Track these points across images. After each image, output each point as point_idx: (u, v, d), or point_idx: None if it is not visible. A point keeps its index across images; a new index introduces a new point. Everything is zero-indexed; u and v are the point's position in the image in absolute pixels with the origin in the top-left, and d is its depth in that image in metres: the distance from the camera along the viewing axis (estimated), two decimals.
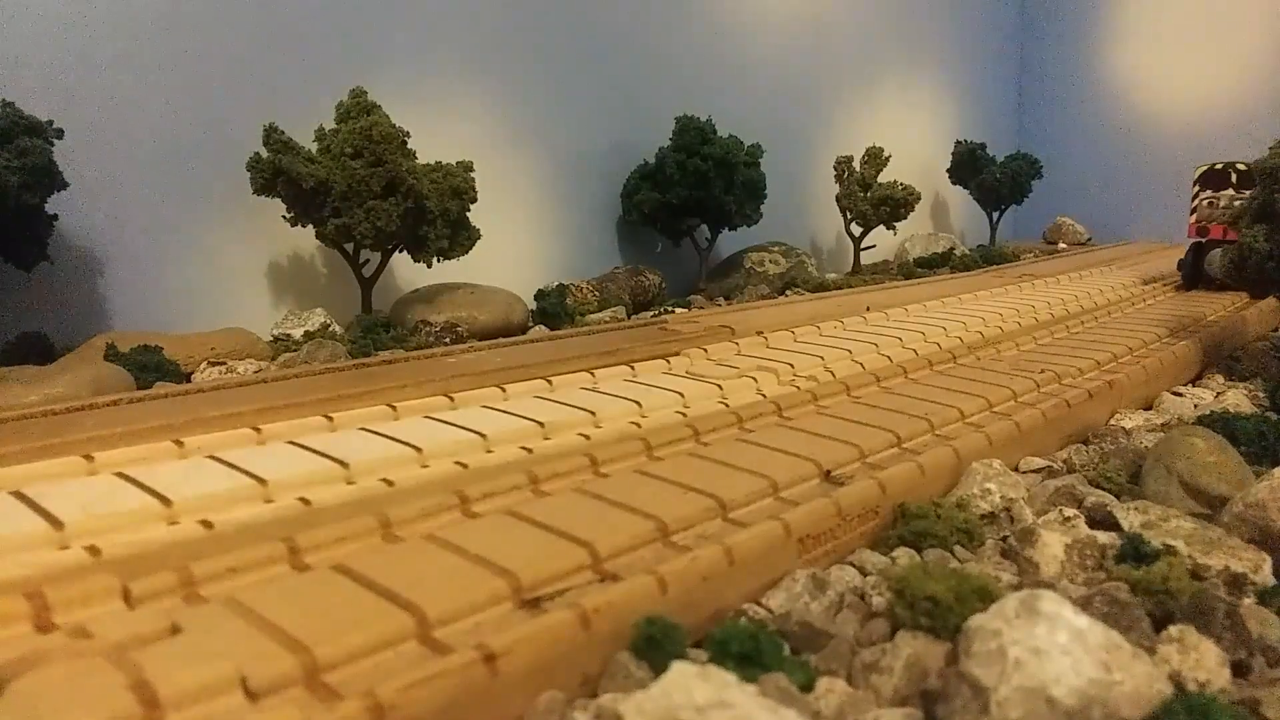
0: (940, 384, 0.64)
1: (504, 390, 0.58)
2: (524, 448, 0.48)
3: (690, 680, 0.27)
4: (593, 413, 0.53)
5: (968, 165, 1.78)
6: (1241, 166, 1.00)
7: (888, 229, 1.53)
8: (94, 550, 0.33)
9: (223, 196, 0.96)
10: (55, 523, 0.35)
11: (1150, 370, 0.71)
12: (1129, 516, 0.44)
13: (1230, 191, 1.01)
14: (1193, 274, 1.09)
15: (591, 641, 0.31)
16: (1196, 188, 1.04)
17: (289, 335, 0.94)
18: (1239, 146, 1.40)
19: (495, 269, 1.14)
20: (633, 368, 0.66)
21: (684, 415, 0.55)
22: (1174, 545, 0.40)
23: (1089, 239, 1.91)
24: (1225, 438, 0.52)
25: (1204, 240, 1.06)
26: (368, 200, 0.89)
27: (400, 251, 0.97)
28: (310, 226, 0.93)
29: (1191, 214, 1.05)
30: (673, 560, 0.36)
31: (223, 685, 0.26)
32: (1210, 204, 1.01)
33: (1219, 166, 1.03)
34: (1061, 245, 1.86)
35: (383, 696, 0.26)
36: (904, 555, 0.42)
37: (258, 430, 0.48)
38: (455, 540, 0.36)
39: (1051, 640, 0.28)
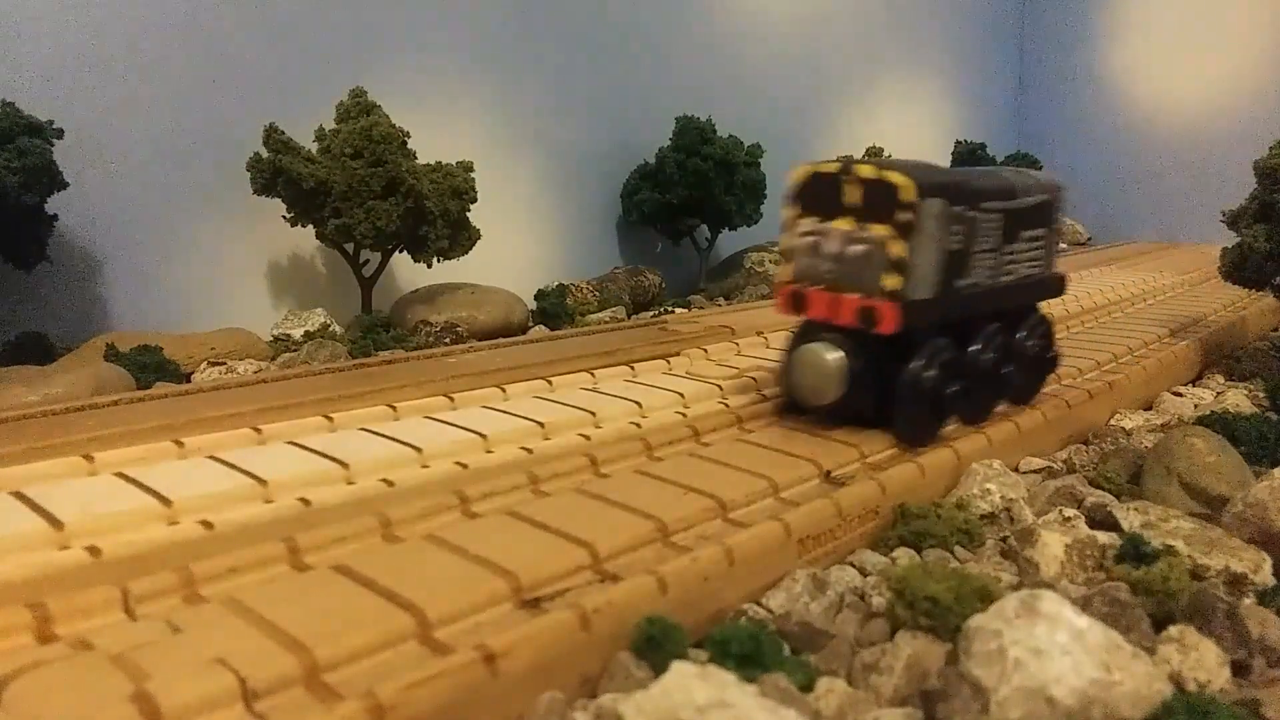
0: None
1: (504, 390, 0.58)
2: (524, 448, 0.48)
3: (690, 680, 0.27)
4: (593, 413, 0.53)
5: (968, 165, 1.78)
6: (868, 174, 0.49)
7: None
8: (94, 550, 0.33)
9: (223, 196, 0.96)
10: (55, 523, 0.35)
11: (1150, 370, 0.71)
12: (1129, 517, 0.44)
13: (848, 225, 0.50)
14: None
15: (591, 641, 0.31)
16: (796, 209, 0.53)
17: (289, 335, 0.94)
18: (1239, 146, 1.39)
19: (495, 269, 1.14)
20: (633, 368, 0.66)
21: (684, 415, 0.55)
22: (1174, 545, 0.40)
23: (1089, 239, 1.91)
24: (1225, 438, 0.52)
25: (807, 319, 0.52)
26: (368, 200, 0.89)
27: (400, 251, 0.97)
28: (310, 226, 0.92)
29: (786, 260, 0.53)
30: (673, 560, 0.36)
31: (224, 697, 0.26)
32: (814, 245, 0.51)
33: (827, 171, 0.51)
34: (1061, 245, 1.86)
35: (383, 696, 0.26)
36: (904, 555, 0.42)
37: (258, 430, 0.48)
38: (455, 540, 0.36)
39: (1051, 640, 0.28)
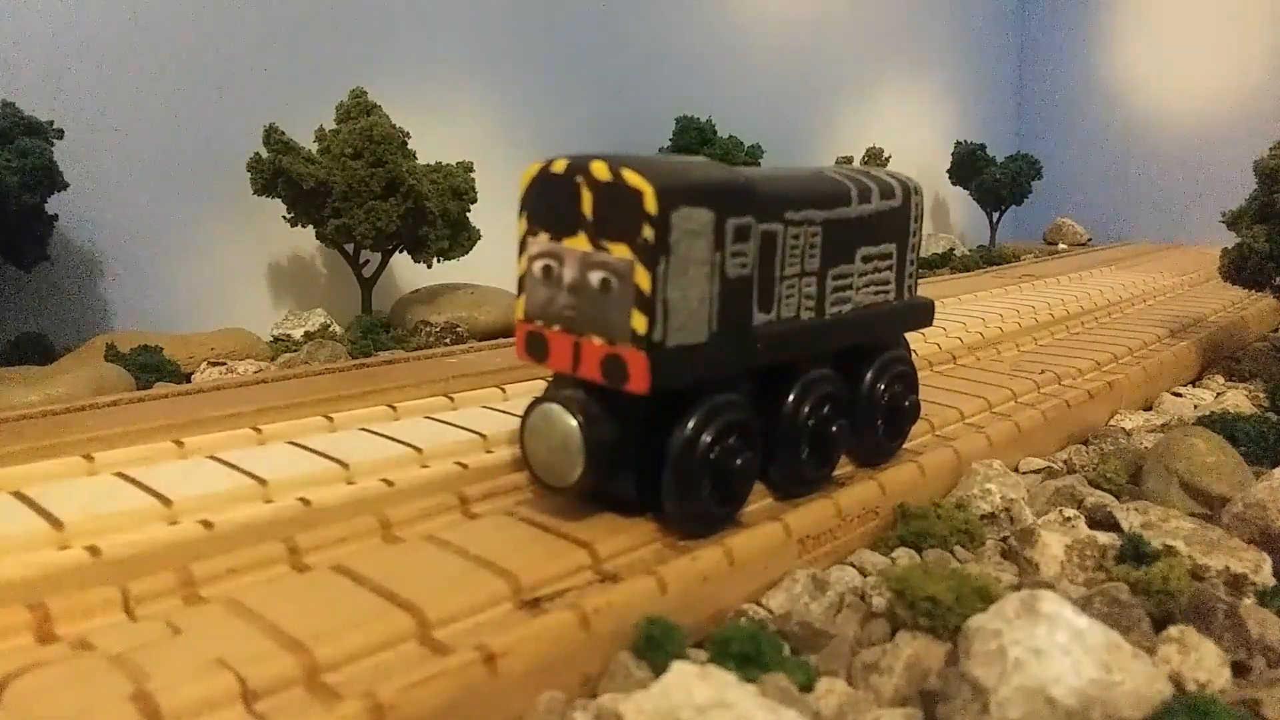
0: (940, 384, 0.64)
1: (504, 390, 0.58)
2: None
3: (690, 680, 0.27)
4: None
5: (967, 166, 1.78)
6: (603, 174, 0.36)
7: None
8: (94, 550, 0.33)
9: (223, 196, 0.96)
10: (55, 523, 0.35)
11: (1150, 370, 0.71)
12: (1129, 517, 0.44)
13: (583, 245, 0.36)
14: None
15: (591, 641, 0.31)
16: (524, 219, 0.38)
17: (289, 335, 0.94)
18: (1239, 146, 1.39)
19: (495, 269, 1.14)
20: None
21: None
22: (1174, 545, 0.40)
23: (1089, 239, 1.91)
24: (1225, 438, 0.52)
25: (555, 371, 0.39)
26: (368, 200, 0.89)
27: (400, 252, 0.97)
28: (310, 227, 0.92)
29: (519, 291, 0.39)
30: (673, 560, 0.36)
31: (224, 697, 0.26)
32: (547, 271, 0.38)
33: (557, 171, 0.37)
34: (1061, 246, 1.86)
35: (383, 697, 0.26)
36: (904, 555, 0.42)
37: (258, 430, 0.48)
38: (455, 540, 0.37)
39: (1051, 640, 0.28)
